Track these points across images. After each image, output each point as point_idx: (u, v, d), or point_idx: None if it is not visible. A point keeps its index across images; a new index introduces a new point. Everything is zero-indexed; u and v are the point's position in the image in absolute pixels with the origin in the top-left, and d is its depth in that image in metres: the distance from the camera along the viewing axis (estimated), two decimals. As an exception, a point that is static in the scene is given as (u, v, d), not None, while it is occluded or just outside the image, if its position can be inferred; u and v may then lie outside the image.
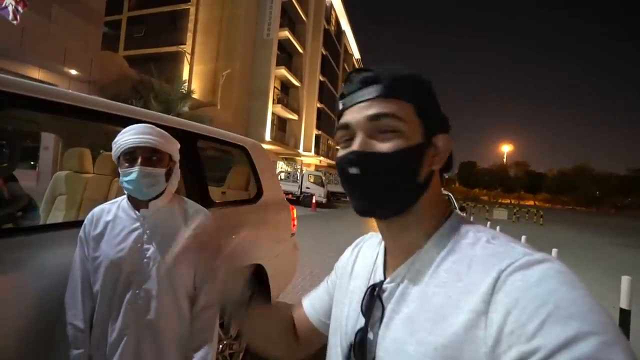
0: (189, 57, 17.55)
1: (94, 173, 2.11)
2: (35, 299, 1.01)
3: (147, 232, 1.01)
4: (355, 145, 0.44)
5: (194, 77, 17.10)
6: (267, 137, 20.19)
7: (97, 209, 1.06)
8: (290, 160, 26.32)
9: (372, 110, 0.44)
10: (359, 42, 45.93)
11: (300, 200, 15.99)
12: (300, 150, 26.33)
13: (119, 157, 1.00)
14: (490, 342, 0.33)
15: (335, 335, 0.54)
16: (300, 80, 25.16)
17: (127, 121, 1.47)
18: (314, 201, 14.89)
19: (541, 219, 19.08)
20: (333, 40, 32.75)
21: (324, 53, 29.53)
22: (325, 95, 30.49)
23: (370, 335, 0.45)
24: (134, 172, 0.95)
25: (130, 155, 0.97)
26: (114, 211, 1.04)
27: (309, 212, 13.25)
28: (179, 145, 1.12)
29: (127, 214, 1.03)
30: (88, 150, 2.19)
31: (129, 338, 0.96)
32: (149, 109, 2.27)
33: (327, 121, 32.00)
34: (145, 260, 0.99)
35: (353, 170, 0.44)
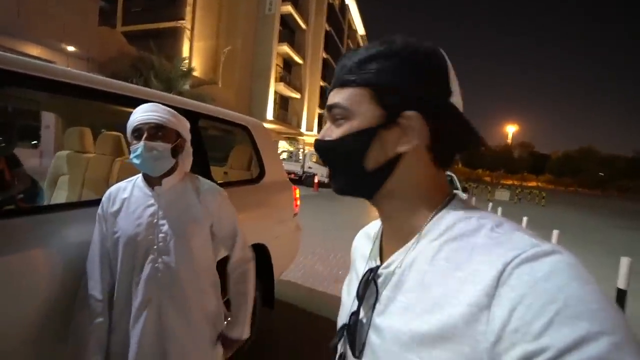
0: (188, 33, 17.04)
1: (95, 153, 2.11)
2: (58, 273, 1.05)
3: (162, 208, 1.06)
4: (320, 133, 0.48)
5: (194, 54, 16.66)
6: (269, 116, 19.98)
7: (113, 187, 1.11)
8: (292, 139, 26.15)
9: (330, 101, 0.47)
10: (363, 17, 44.37)
11: (303, 180, 16.03)
12: (303, 130, 26.10)
13: (130, 137, 1.04)
14: (491, 337, 0.31)
15: (340, 318, 0.54)
16: (303, 57, 24.56)
17: (126, 100, 1.45)
18: (316, 181, 14.92)
19: (543, 200, 19.09)
20: (337, 15, 31.65)
21: (328, 29, 28.64)
22: (328, 73, 29.82)
23: (363, 319, 0.45)
24: (139, 147, 0.99)
25: (138, 132, 1.01)
26: (129, 189, 1.09)
27: (311, 192, 13.32)
28: (188, 124, 1.14)
29: (142, 191, 1.07)
30: (89, 130, 2.17)
31: (150, 310, 1.02)
32: (150, 87, 2.23)
33: (330, 100, 31.49)
34: (161, 234, 1.04)
35: (318, 155, 0.49)
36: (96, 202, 1.12)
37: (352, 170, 0.45)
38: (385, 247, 0.50)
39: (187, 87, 11.50)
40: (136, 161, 1.00)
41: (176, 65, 11.56)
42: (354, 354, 0.45)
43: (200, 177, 1.20)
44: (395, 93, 0.42)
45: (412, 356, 0.37)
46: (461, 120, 0.43)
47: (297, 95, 24.76)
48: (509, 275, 0.32)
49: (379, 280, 0.45)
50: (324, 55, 28.48)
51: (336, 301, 3.64)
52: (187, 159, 1.15)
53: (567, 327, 0.28)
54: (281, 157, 15.87)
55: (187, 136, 1.14)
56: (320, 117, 29.37)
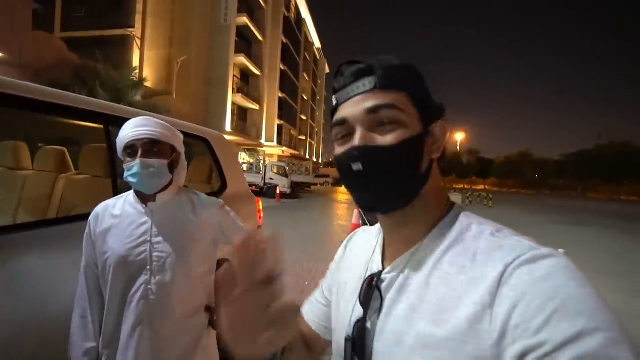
0: (138, 41, 16.20)
1: (33, 169, 1.91)
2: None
3: (156, 225, 1.00)
4: (357, 140, 0.42)
5: (146, 64, 15.85)
6: (228, 127, 19.52)
7: (100, 206, 1.05)
8: (252, 151, 25.73)
9: (370, 103, 0.42)
10: (319, 30, 45.60)
11: (264, 191, 15.78)
12: (263, 141, 25.84)
13: (122, 154, 0.98)
14: (495, 335, 0.32)
15: (336, 332, 0.53)
16: (261, 69, 24.50)
17: (67, 111, 1.35)
18: (278, 192, 14.77)
19: (490, 201, 20.66)
20: (293, 27, 32.15)
21: (285, 41, 28.94)
22: (286, 84, 30.02)
23: (369, 326, 0.45)
24: (135, 165, 0.94)
25: (131, 149, 0.96)
26: (120, 206, 1.03)
27: (273, 203, 13.12)
28: (181, 136, 1.09)
29: (134, 208, 1.02)
30: (24, 144, 1.97)
31: (143, 333, 0.95)
32: (96, 98, 2.08)
33: (288, 111, 31.63)
34: (156, 253, 0.97)
35: (356, 167, 0.42)
36: (43, 224, 1.05)
37: (409, 176, 0.43)
38: (387, 252, 0.50)
39: (138, 97, 10.84)
40: (132, 180, 0.95)
41: (125, 75, 10.87)
42: None
43: (195, 191, 1.16)
44: (428, 101, 0.45)
45: (417, 358, 0.37)
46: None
47: (256, 107, 24.53)
48: (510, 275, 0.34)
49: (383, 285, 0.45)
50: (282, 67, 28.65)
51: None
52: (182, 173, 1.10)
53: (565, 323, 0.29)
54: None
55: (182, 149, 1.09)
56: (280, 127, 29.32)
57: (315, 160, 52.45)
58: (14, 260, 1.07)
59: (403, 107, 0.42)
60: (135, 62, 14.78)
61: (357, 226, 6.34)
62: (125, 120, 1.61)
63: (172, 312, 0.98)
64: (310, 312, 0.63)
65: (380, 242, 0.52)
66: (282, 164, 18.50)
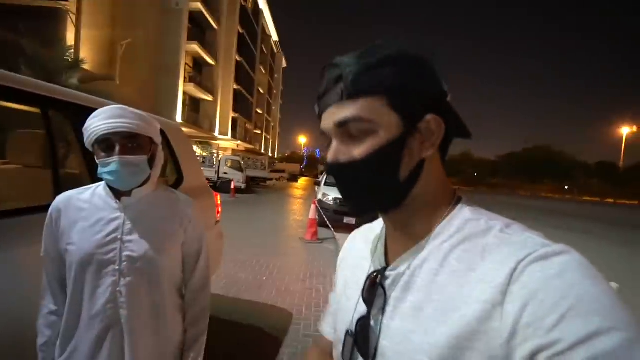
0: (73, 17, 14.47)
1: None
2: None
3: (129, 222, 0.90)
4: (329, 156, 0.43)
5: (84, 44, 14.14)
6: (179, 118, 18.38)
7: (62, 197, 0.94)
8: (205, 144, 24.57)
9: (338, 116, 0.41)
10: (277, 24, 44.79)
11: (218, 186, 15.20)
12: (216, 134, 24.79)
13: (93, 146, 0.87)
14: (505, 334, 0.31)
15: (337, 327, 0.52)
16: (215, 58, 23.38)
17: None
18: (232, 187, 14.33)
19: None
20: (250, 18, 31.15)
21: (241, 31, 27.94)
22: (242, 76, 29.07)
23: (372, 323, 0.43)
24: (113, 162, 0.84)
25: (106, 143, 0.86)
26: (87, 198, 0.93)
27: (227, 198, 12.70)
28: (159, 126, 0.99)
29: (105, 202, 0.92)
30: None
31: (113, 342, 0.87)
32: None
33: (244, 103, 30.71)
34: (126, 253, 0.88)
35: (335, 178, 0.44)
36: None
37: (386, 185, 0.42)
38: (391, 249, 0.48)
39: (74, 81, 9.69)
40: (109, 177, 0.86)
41: (58, 55, 9.64)
42: None
43: (173, 189, 1.07)
44: (413, 98, 0.40)
45: (424, 357, 0.36)
46: (457, 116, 0.44)
47: (210, 98, 23.40)
48: (521, 273, 0.33)
49: (387, 282, 0.44)
50: (238, 57, 27.67)
51: (263, 308, 3.56)
52: (159, 166, 0.99)
53: (579, 322, 0.28)
54: (193, 162, 14.65)
55: (159, 140, 0.99)
56: (235, 121, 28.37)
57: (270, 155, 51.68)
58: None
59: (372, 117, 0.40)
60: (71, 41, 13.19)
61: (313, 221, 6.42)
62: (67, 103, 1.47)
63: (143, 317, 0.91)
64: (327, 325, 0.62)
65: (383, 237, 0.51)
66: (237, 158, 17.96)
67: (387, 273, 0.44)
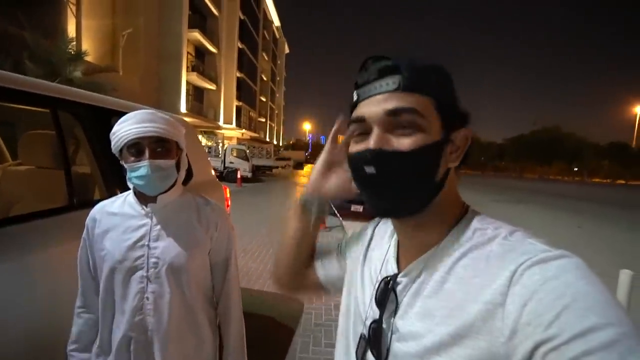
0: (73, 7, 14.31)
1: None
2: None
3: (155, 228, 0.91)
4: (372, 143, 0.41)
5: (85, 34, 14.01)
6: (183, 108, 18.34)
7: (97, 207, 0.98)
8: (210, 133, 24.54)
9: (391, 104, 0.40)
10: (278, 8, 43.79)
11: (224, 176, 15.30)
12: (221, 123, 24.71)
13: (120, 150, 0.88)
14: (507, 332, 0.33)
15: (346, 320, 0.54)
16: (217, 46, 23.06)
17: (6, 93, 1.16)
18: (239, 176, 14.39)
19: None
20: (251, 3, 30.50)
21: (242, 17, 27.41)
22: (244, 64, 28.73)
23: (384, 326, 0.46)
24: (143, 167, 0.84)
25: (135, 147, 0.86)
26: (118, 206, 0.96)
27: (234, 187, 12.78)
28: (184, 130, 0.99)
29: (133, 209, 0.94)
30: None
31: (138, 348, 0.89)
32: (24, 73, 1.80)
33: (247, 92, 30.47)
34: (152, 259, 0.89)
35: (369, 170, 0.42)
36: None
37: (422, 185, 0.42)
38: (402, 255, 0.50)
39: (78, 73, 9.62)
40: (138, 182, 0.87)
41: (60, 47, 9.56)
42: None
43: (203, 196, 1.06)
44: (453, 109, 0.43)
45: (433, 357, 0.39)
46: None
47: (213, 87, 23.22)
48: (521, 275, 0.35)
49: (399, 288, 0.46)
50: (240, 45, 27.25)
51: (274, 298, 3.59)
52: (183, 171, 0.99)
53: (576, 318, 0.30)
54: (199, 152, 14.69)
55: (184, 145, 0.98)
56: (239, 109, 28.21)
57: (275, 142, 51.58)
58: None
59: (425, 113, 0.40)
60: (72, 32, 13.09)
61: (321, 210, 6.42)
62: (77, 103, 1.45)
63: (171, 323, 0.91)
64: (321, 264, 0.66)
65: (395, 242, 0.52)
66: (243, 147, 17.99)
67: (399, 279, 0.46)
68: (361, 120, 0.43)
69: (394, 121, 0.41)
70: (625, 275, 1.70)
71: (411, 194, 0.42)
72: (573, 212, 11.37)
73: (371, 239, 0.60)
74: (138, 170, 0.85)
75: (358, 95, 0.44)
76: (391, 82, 0.41)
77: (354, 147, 0.45)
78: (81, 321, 0.96)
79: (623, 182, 63.21)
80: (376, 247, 0.57)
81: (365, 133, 0.43)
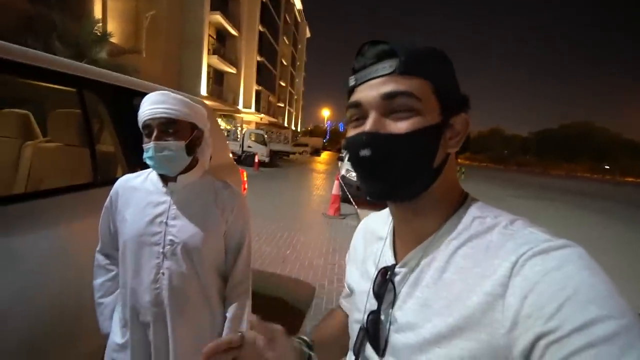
0: (99, -11, 14.54)
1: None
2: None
3: (174, 207, 0.94)
4: (367, 126, 0.41)
5: (110, 16, 14.30)
6: (203, 91, 18.54)
7: (122, 179, 1.02)
8: (229, 117, 24.80)
9: (387, 88, 0.40)
10: (301, -10, 42.92)
11: (242, 159, 15.50)
12: (240, 107, 24.89)
13: (143, 131, 0.92)
14: (507, 324, 0.33)
15: (352, 314, 0.55)
16: (238, 29, 22.97)
17: (34, 72, 1.19)
18: (256, 160, 14.56)
19: (463, 175, 21.54)
20: (273, -15, 30.04)
21: (264, 0, 27.10)
22: (265, 47, 28.52)
23: (383, 317, 0.45)
24: (150, 148, 0.88)
25: (148, 128, 0.90)
26: (141, 182, 1.00)
27: (251, 171, 12.94)
28: (205, 112, 1.00)
29: (155, 185, 0.97)
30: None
31: (155, 323, 0.94)
32: (54, 53, 1.84)
33: (267, 76, 30.37)
34: (169, 237, 0.93)
35: (364, 153, 0.41)
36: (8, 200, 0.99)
37: (419, 169, 0.41)
38: (399, 245, 0.49)
39: (103, 55, 9.85)
40: (149, 162, 0.90)
41: (87, 28, 9.78)
42: (377, 353, 0.45)
43: (224, 180, 1.08)
44: (452, 93, 0.43)
45: (432, 348, 0.38)
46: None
47: (233, 70, 23.30)
48: (522, 266, 0.34)
49: (397, 279, 0.45)
50: (261, 28, 27.02)
51: (287, 281, 3.65)
52: (206, 152, 1.02)
53: (577, 310, 0.29)
54: (218, 136, 14.91)
55: (205, 125, 0.99)
56: (259, 93, 28.25)
57: (293, 128, 51.57)
58: None
59: (422, 96, 0.40)
60: (97, 13, 13.33)
61: (337, 197, 6.45)
62: (101, 84, 1.49)
63: (185, 300, 0.95)
64: (346, 301, 0.65)
65: (391, 231, 0.51)
66: (261, 132, 18.10)
67: (397, 270, 0.46)
68: (357, 105, 0.43)
69: (390, 105, 0.40)
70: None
71: (407, 177, 0.41)
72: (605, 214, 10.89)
73: (365, 233, 0.60)
74: (147, 152, 0.89)
75: (355, 79, 0.44)
76: (388, 65, 0.40)
77: (350, 132, 0.45)
78: (102, 272, 1.04)
79: (658, 181, 59.65)
80: (370, 240, 0.57)
81: (362, 118, 0.43)
